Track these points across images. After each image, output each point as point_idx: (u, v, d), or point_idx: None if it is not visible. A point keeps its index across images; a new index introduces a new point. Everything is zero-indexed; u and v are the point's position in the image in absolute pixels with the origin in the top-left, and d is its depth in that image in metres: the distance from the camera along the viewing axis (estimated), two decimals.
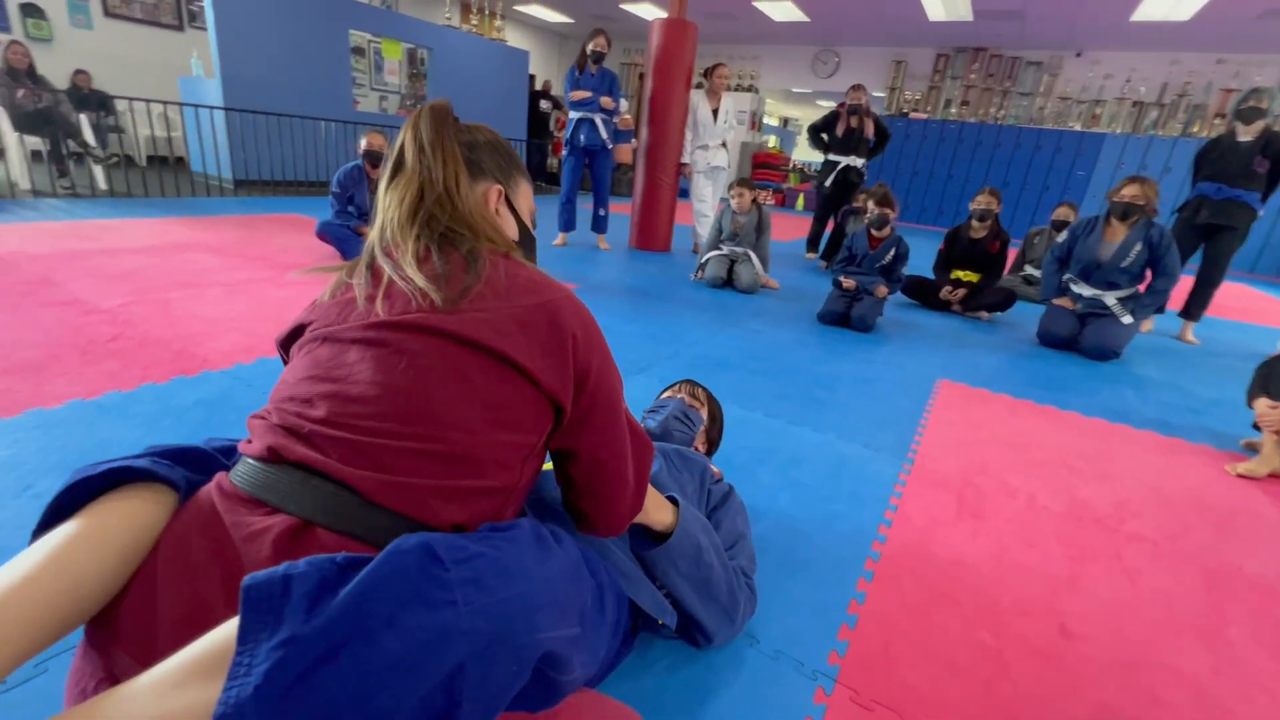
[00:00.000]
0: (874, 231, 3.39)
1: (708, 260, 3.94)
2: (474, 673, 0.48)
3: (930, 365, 2.74)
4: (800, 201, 11.04)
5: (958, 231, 3.93)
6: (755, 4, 8.19)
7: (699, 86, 4.81)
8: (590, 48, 4.33)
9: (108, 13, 6.57)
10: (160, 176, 5.76)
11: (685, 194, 5.13)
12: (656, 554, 0.89)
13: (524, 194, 0.88)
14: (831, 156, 5.14)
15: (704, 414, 1.38)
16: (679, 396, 1.38)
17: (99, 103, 5.37)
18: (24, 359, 1.82)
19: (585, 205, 5.15)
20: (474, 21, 8.95)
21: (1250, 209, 3.46)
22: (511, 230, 0.84)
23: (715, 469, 1.18)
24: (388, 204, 0.76)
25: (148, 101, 5.04)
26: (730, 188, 3.97)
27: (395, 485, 0.59)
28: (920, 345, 3.06)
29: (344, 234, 3.41)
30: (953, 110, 9.74)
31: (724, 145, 4.89)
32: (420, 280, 0.67)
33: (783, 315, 3.36)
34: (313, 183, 6.51)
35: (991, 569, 1.34)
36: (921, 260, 5.10)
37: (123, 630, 0.54)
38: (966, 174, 9.44)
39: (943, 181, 9.70)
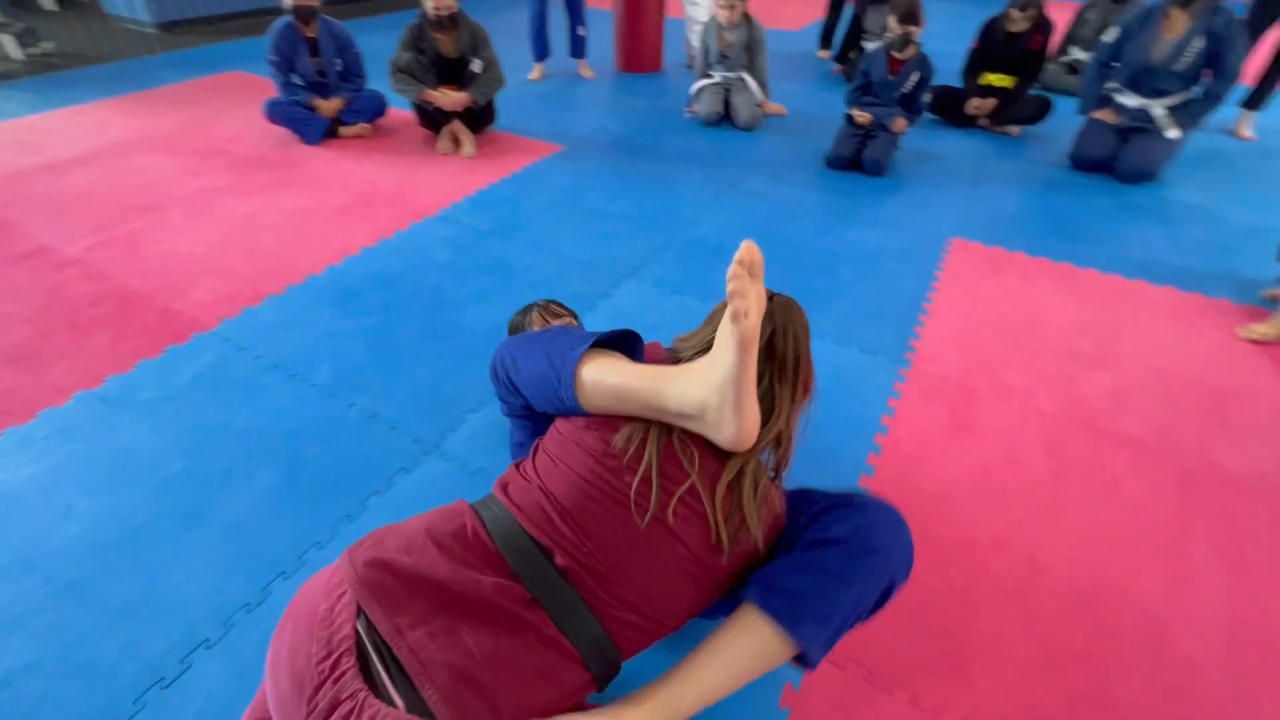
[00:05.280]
0: (895, 54, 2.90)
1: (700, 92, 3.49)
2: None
3: (944, 219, 2.56)
4: None
5: (994, 24, 3.36)
6: None
7: None
8: None
9: None
10: (73, 30, 5.04)
11: None
12: None
13: None
14: None
15: (574, 322, 1.46)
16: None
17: None
18: (18, 341, 1.80)
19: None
20: None
21: None
22: None
23: None
24: (779, 401, 0.85)
25: None
26: None
27: (615, 617, 0.73)
28: (936, 190, 2.82)
29: (296, 113, 3.03)
30: None
31: None
32: (724, 532, 0.76)
33: (787, 163, 3.06)
34: (253, 12, 5.65)
35: (973, 497, 1.40)
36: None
37: None
38: None
39: None
